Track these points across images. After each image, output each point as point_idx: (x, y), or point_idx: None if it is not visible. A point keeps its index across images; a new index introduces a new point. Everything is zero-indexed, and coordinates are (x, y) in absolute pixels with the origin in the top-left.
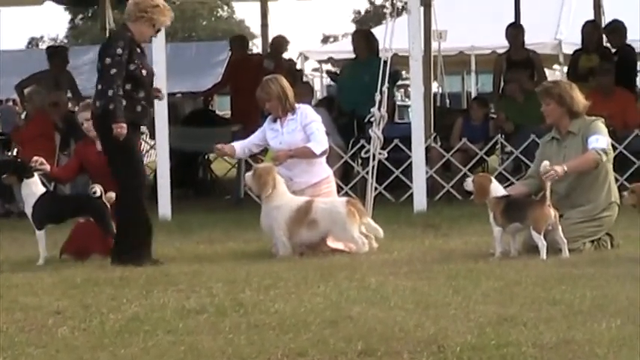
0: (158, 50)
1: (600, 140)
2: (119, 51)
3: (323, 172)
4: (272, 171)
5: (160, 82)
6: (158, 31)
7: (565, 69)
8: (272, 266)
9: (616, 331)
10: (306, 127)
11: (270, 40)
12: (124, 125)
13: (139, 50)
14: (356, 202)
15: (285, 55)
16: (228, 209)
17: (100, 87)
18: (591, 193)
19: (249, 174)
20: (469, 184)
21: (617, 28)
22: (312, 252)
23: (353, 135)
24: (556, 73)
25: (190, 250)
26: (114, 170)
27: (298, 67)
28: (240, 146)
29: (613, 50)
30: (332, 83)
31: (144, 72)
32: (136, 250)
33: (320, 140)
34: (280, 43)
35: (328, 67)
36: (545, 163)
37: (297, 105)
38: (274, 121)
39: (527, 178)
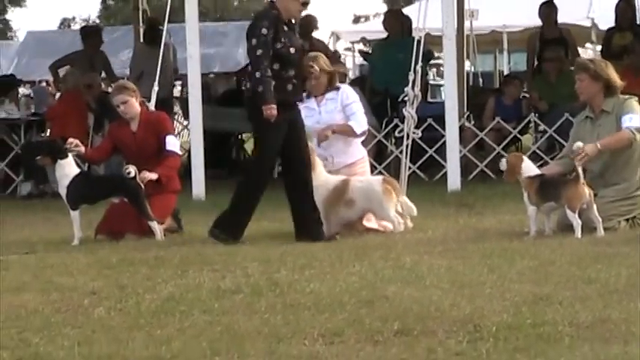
0: (191, 30)
1: (634, 119)
2: (264, 31)
3: (358, 153)
4: (311, 152)
5: (194, 62)
6: (306, 4)
7: (598, 47)
8: (307, 246)
9: None
10: (347, 107)
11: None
12: (274, 107)
13: (285, 28)
14: (392, 181)
15: (317, 35)
16: None
17: (249, 69)
18: (626, 171)
19: None
20: (504, 164)
21: None
22: (348, 231)
23: (386, 114)
24: (588, 52)
25: None
26: (258, 144)
27: (330, 47)
28: None
29: None
30: (364, 63)
31: (292, 50)
32: (240, 225)
33: (360, 120)
34: (309, 22)
35: (360, 46)
36: (578, 144)
37: (338, 84)
38: (308, 98)
39: (561, 157)
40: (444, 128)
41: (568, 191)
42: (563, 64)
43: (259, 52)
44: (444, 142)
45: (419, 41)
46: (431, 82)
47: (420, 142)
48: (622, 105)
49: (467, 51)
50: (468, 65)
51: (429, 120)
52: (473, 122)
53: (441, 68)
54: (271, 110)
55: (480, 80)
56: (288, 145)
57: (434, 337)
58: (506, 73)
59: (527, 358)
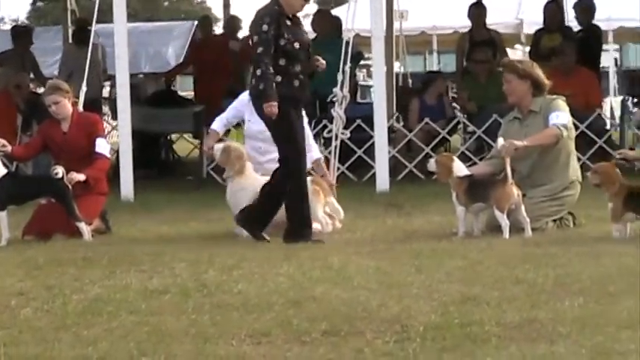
0: (119, 31)
1: (561, 116)
2: (265, 27)
3: None
4: (242, 152)
5: (122, 63)
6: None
7: (527, 49)
8: (235, 246)
9: (579, 310)
10: None
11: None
12: (275, 104)
13: (289, 23)
14: (321, 182)
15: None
16: (191, 190)
17: (252, 67)
18: (553, 172)
19: (219, 145)
20: (432, 165)
21: (587, 7)
22: (277, 232)
23: (315, 115)
24: (518, 53)
25: (153, 231)
26: (278, 147)
27: None
28: (221, 125)
29: (577, 29)
30: None
31: (296, 45)
32: (304, 226)
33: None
34: (235, 23)
35: None
36: (500, 140)
37: None
38: None
39: (490, 158)
40: (372, 129)
41: (496, 192)
42: (492, 66)
43: (260, 49)
44: (373, 143)
45: (348, 42)
46: (360, 82)
47: (348, 142)
48: (549, 104)
49: (396, 52)
50: (397, 66)
51: (358, 121)
52: (402, 123)
53: (371, 69)
54: (272, 108)
55: (410, 81)
56: None
57: (361, 337)
58: None
59: (454, 358)
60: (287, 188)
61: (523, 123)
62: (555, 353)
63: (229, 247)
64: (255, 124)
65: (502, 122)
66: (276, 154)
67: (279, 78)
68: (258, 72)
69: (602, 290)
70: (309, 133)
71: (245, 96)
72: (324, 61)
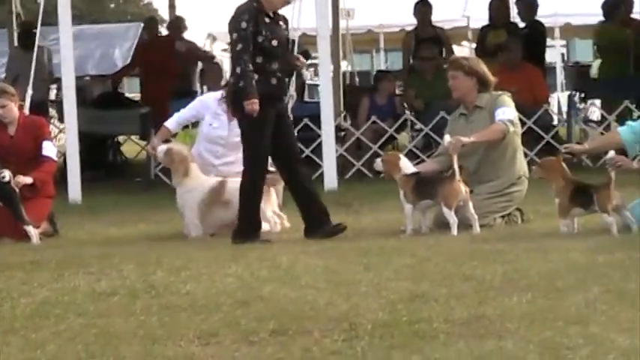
0: (64, 33)
1: (507, 112)
2: (244, 25)
3: None
4: (185, 155)
5: (68, 65)
6: None
7: (473, 45)
8: (183, 247)
9: (527, 306)
10: None
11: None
12: (256, 101)
13: (267, 20)
14: (268, 181)
15: (193, 37)
16: (139, 191)
17: (231, 64)
18: (500, 168)
19: (162, 148)
20: (378, 165)
21: (530, 4)
22: (225, 233)
23: None
24: (464, 50)
25: (101, 233)
26: (244, 145)
27: (207, 48)
28: (175, 124)
29: (521, 25)
30: None
31: (274, 42)
32: (253, 227)
33: None
34: (179, 23)
35: None
36: (447, 137)
37: None
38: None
39: (437, 155)
40: (320, 128)
41: (444, 189)
42: (438, 63)
43: (239, 46)
44: (321, 142)
45: (293, 41)
46: (308, 81)
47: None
48: (495, 100)
49: (343, 50)
50: (344, 65)
51: (305, 120)
52: (349, 121)
53: (318, 68)
54: (253, 105)
55: (357, 79)
56: (277, 142)
57: (309, 336)
58: None
59: (402, 356)
60: (244, 185)
61: (469, 119)
62: (503, 349)
63: (177, 249)
64: (219, 130)
65: (448, 119)
66: (231, 159)
67: (256, 76)
68: (238, 70)
69: (550, 286)
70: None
71: (208, 98)
72: (304, 59)
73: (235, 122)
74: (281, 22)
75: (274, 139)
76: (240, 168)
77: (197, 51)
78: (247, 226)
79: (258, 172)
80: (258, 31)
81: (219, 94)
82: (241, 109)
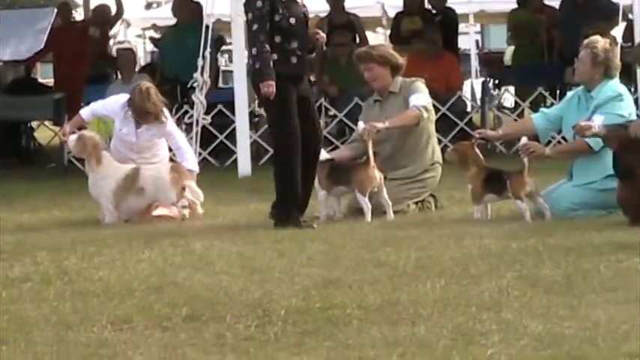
0: None
1: (421, 98)
2: (259, 4)
3: (163, 153)
4: (97, 142)
5: None
6: None
7: (388, 32)
8: (97, 233)
9: (440, 292)
10: None
11: (91, 7)
12: (272, 83)
13: None
14: (180, 167)
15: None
16: (53, 177)
17: (248, 45)
18: (414, 154)
19: (73, 137)
20: None
21: None
22: (139, 219)
23: (176, 101)
24: (379, 37)
25: (14, 220)
26: (272, 130)
27: (121, 34)
28: (89, 114)
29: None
30: (155, 50)
31: (292, 20)
32: (292, 211)
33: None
34: (104, 11)
35: (151, 33)
36: (360, 124)
37: None
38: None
39: (351, 141)
40: (234, 114)
41: (358, 175)
42: (351, 49)
43: (255, 26)
44: (235, 128)
45: (208, 27)
46: (223, 68)
47: (210, 128)
48: (409, 86)
49: None
50: None
51: (220, 106)
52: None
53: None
54: (270, 87)
55: None
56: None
57: (223, 322)
58: None
59: (315, 341)
60: (278, 168)
61: (383, 105)
62: (417, 335)
63: (91, 234)
64: (128, 136)
65: (363, 105)
66: (147, 155)
67: (275, 56)
68: (254, 50)
69: (463, 272)
70: (183, 139)
71: (117, 102)
72: (324, 35)
73: (144, 128)
74: (298, 0)
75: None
76: (157, 160)
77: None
78: (285, 204)
79: (288, 154)
80: (275, 10)
81: (125, 99)
82: (259, 90)
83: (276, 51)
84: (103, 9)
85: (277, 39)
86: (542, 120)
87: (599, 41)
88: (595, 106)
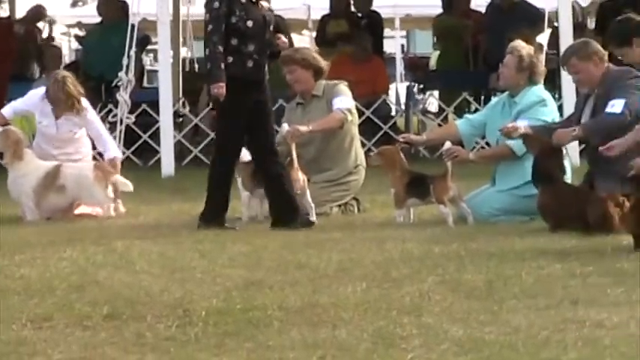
0: None
1: (344, 101)
2: (216, 4)
3: (86, 150)
4: (19, 138)
5: None
6: None
7: (314, 34)
8: (18, 231)
9: (361, 294)
10: None
11: (16, 4)
12: (222, 85)
13: (243, 0)
14: (103, 166)
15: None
16: None
17: (204, 45)
18: (337, 157)
19: None
20: None
21: None
22: (61, 217)
23: (100, 100)
24: (305, 39)
25: None
26: (216, 132)
27: (46, 31)
28: (11, 112)
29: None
30: (80, 47)
31: (249, 23)
32: (219, 214)
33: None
34: (40, 12)
35: (76, 31)
36: (284, 126)
37: None
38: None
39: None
40: (158, 114)
41: None
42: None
43: (210, 27)
44: (159, 128)
45: (133, 26)
46: (148, 67)
47: (134, 127)
48: (332, 89)
49: (183, 37)
50: (184, 51)
51: (144, 105)
52: (188, 108)
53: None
54: (219, 89)
55: (197, 66)
56: (252, 131)
57: (143, 321)
58: None
59: (236, 342)
60: (214, 171)
61: (306, 108)
62: (337, 337)
63: (12, 232)
64: (49, 128)
65: (286, 107)
66: (70, 150)
67: (230, 58)
68: (207, 51)
69: (385, 275)
70: (103, 128)
71: (36, 94)
72: (285, 40)
73: (64, 119)
74: (262, 3)
75: (251, 129)
76: (79, 157)
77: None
78: (214, 212)
79: (225, 162)
80: (232, 12)
81: (43, 90)
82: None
83: (232, 53)
84: (39, 10)
85: (233, 41)
86: (466, 126)
87: (524, 47)
88: (518, 112)
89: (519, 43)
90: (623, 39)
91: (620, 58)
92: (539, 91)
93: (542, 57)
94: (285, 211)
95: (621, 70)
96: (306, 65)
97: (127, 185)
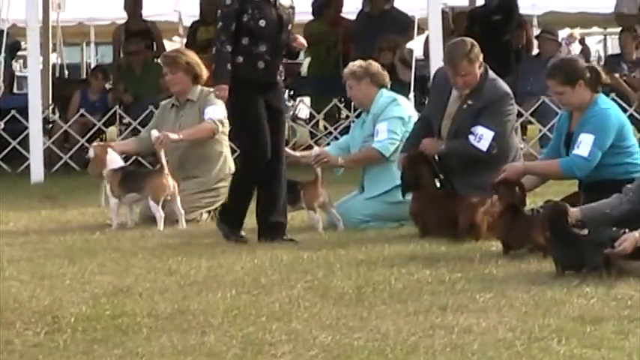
0: None
1: (217, 111)
2: (228, 1)
3: None
4: None
5: None
6: None
7: (184, 40)
8: None
9: (231, 301)
10: None
11: None
12: (225, 87)
13: None
14: None
15: None
16: None
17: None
18: (204, 164)
19: None
20: (92, 153)
21: None
22: None
23: None
24: (176, 45)
25: None
26: (234, 135)
27: None
28: None
29: None
30: None
31: (261, 23)
32: (239, 217)
33: None
34: None
35: None
36: (154, 132)
37: None
38: None
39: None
40: (28, 120)
41: (152, 183)
42: (146, 57)
43: (219, 24)
44: (28, 134)
45: (3, 32)
46: (18, 73)
47: (3, 133)
48: (206, 97)
49: (53, 43)
50: (54, 57)
51: (13, 111)
52: (58, 114)
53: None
54: (222, 91)
55: (67, 72)
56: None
57: (12, 328)
58: (93, 65)
59: (105, 349)
60: (235, 182)
61: (179, 112)
62: (206, 344)
63: None
64: None
65: (160, 105)
66: None
67: (240, 59)
68: (214, 50)
69: (254, 282)
70: None
71: None
72: (303, 40)
73: None
74: (278, 3)
75: None
76: None
77: None
78: (230, 224)
79: (251, 166)
80: (244, 10)
81: None
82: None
83: (242, 53)
84: None
85: (244, 41)
86: (335, 149)
87: (354, 65)
88: (374, 115)
89: (348, 68)
90: (570, 79)
91: (553, 94)
92: (388, 92)
93: (413, 62)
94: (273, 227)
95: (501, 90)
96: (188, 69)
97: None
